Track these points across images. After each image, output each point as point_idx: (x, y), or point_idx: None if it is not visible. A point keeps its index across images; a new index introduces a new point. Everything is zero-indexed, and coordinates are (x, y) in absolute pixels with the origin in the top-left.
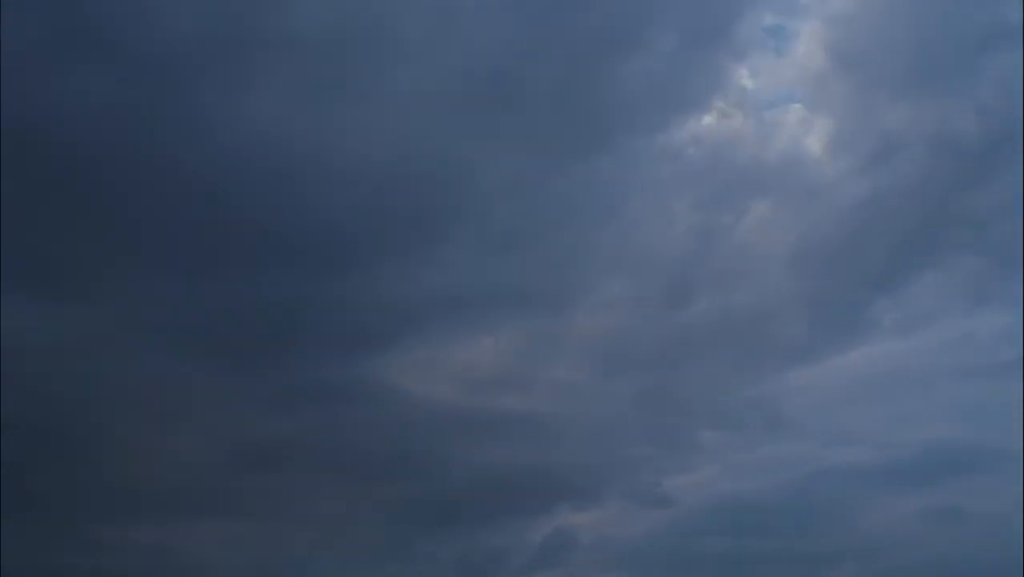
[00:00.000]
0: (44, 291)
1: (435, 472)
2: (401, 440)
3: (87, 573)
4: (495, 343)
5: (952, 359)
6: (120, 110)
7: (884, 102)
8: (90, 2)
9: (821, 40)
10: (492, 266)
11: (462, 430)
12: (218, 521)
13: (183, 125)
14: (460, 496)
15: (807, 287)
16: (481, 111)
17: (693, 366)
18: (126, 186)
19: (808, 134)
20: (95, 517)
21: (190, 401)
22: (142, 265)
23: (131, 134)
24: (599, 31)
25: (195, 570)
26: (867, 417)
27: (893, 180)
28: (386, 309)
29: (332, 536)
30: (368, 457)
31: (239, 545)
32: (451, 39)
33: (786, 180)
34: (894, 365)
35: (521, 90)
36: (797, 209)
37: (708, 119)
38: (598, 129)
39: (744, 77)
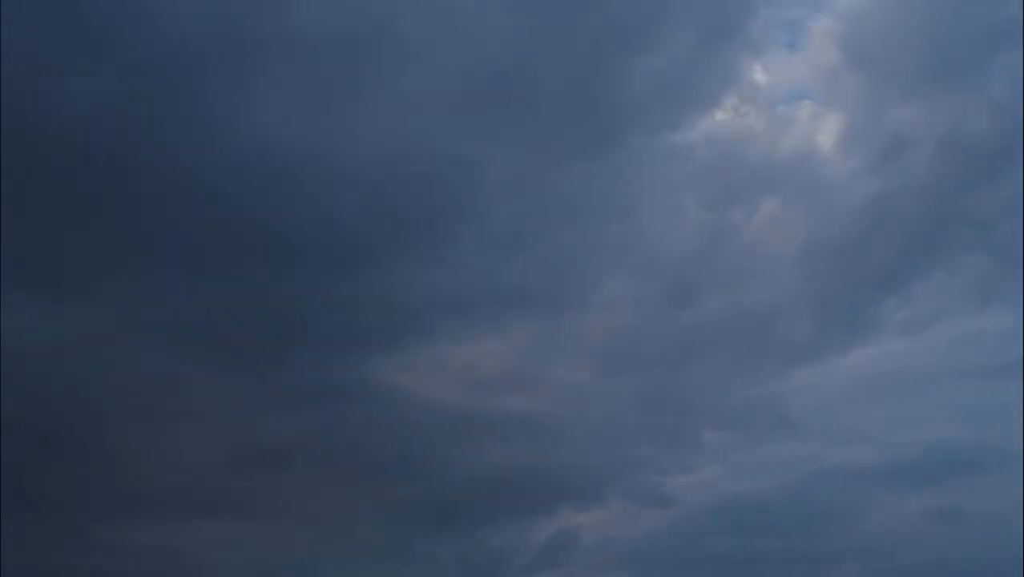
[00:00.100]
0: (45, 291)
1: (437, 472)
2: (403, 440)
3: (88, 573)
4: (499, 343)
5: (957, 359)
6: (122, 110)
7: (896, 99)
8: (93, 2)
9: (834, 36)
10: (497, 266)
11: (465, 430)
12: (219, 521)
13: (185, 125)
14: (462, 496)
15: (813, 286)
16: (487, 110)
17: (697, 366)
18: (128, 186)
19: (819, 131)
20: (96, 517)
21: (192, 401)
22: (144, 265)
23: (133, 134)
24: (609, 28)
25: (196, 570)
26: (870, 417)
27: (903, 178)
28: (389, 309)
29: (334, 536)
30: (370, 457)
31: (240, 545)
32: (458, 38)
33: (795, 178)
34: (898, 365)
35: (529, 89)
36: (805, 207)
37: (719, 116)
38: (607, 127)
39: (756, 73)
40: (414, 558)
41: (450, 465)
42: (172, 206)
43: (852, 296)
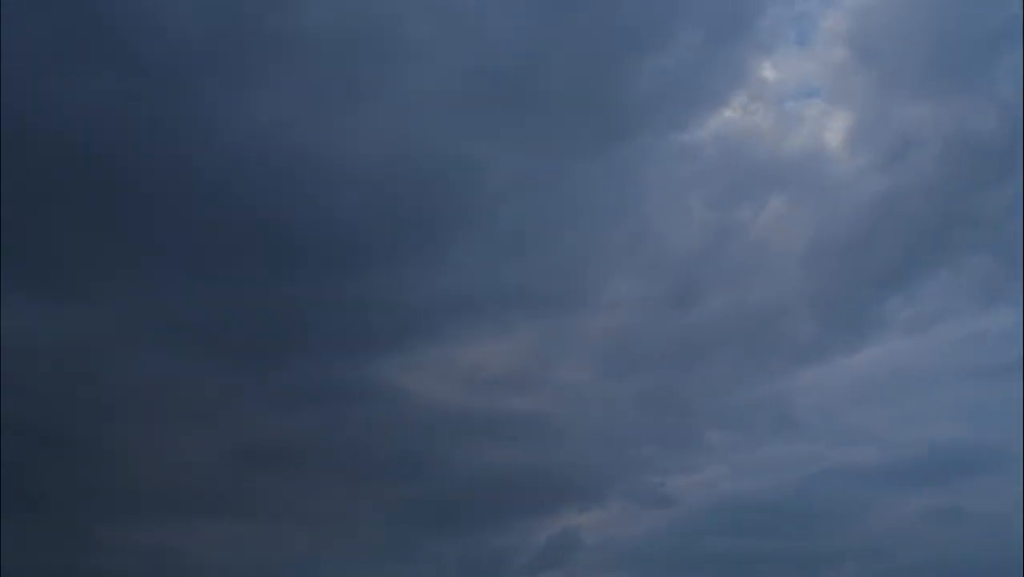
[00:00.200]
0: (46, 291)
1: (439, 472)
2: (405, 441)
3: (88, 573)
4: (501, 344)
5: (961, 359)
6: (123, 110)
7: (904, 98)
8: (96, 3)
9: (843, 33)
10: (500, 267)
11: (466, 430)
12: (220, 521)
13: (187, 125)
14: (464, 496)
15: (818, 285)
16: (490, 110)
17: (700, 366)
18: (129, 186)
19: (827, 129)
20: (96, 517)
21: (193, 401)
22: (145, 265)
23: (134, 134)
24: (617, 28)
25: (197, 570)
26: (874, 417)
27: (910, 177)
28: (391, 309)
29: (335, 536)
30: (373, 458)
31: (241, 545)
32: (462, 37)
33: (802, 176)
34: (903, 365)
35: (534, 88)
36: (812, 206)
37: (727, 114)
38: (613, 127)
39: (765, 70)
40: (415, 558)
41: (451, 465)
42: (173, 206)
43: (857, 295)
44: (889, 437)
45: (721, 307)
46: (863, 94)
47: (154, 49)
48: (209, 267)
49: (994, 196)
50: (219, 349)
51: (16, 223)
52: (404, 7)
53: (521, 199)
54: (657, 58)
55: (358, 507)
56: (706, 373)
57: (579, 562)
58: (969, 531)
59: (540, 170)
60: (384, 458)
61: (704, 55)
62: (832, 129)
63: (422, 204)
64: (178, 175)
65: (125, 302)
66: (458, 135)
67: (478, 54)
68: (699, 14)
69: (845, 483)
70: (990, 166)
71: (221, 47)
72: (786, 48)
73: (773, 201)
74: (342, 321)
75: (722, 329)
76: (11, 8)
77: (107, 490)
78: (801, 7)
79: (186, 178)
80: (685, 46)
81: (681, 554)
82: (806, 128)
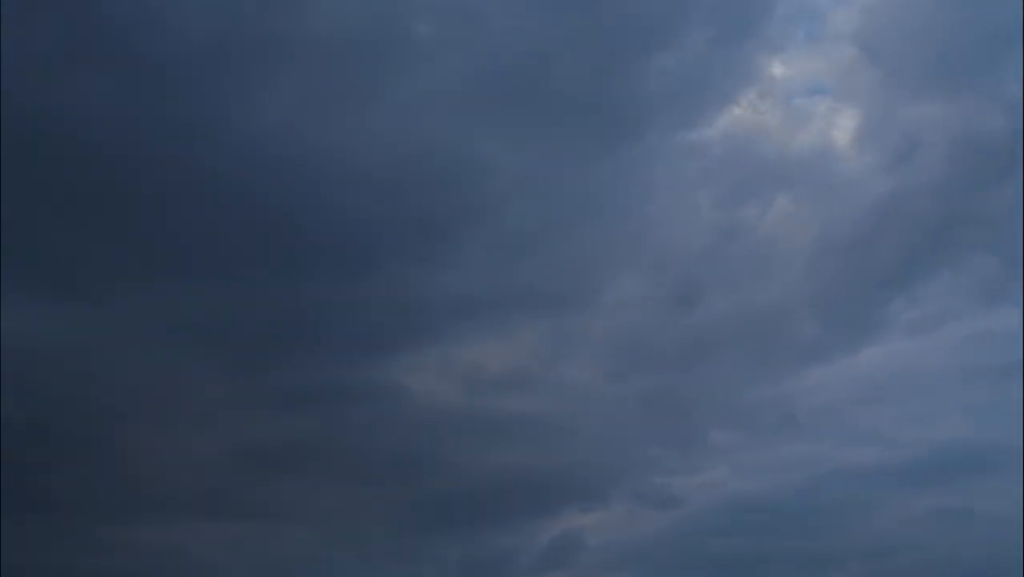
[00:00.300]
0: (49, 291)
1: (443, 473)
2: (409, 441)
3: (90, 574)
4: (506, 344)
5: (965, 359)
6: (130, 111)
7: (912, 97)
8: (102, 4)
9: (852, 31)
10: (506, 267)
11: (470, 431)
12: (223, 522)
13: (193, 125)
14: (468, 497)
15: (822, 286)
16: (498, 110)
17: (705, 366)
18: (135, 186)
19: (834, 127)
20: (99, 518)
21: (196, 402)
22: (149, 265)
23: (141, 134)
24: (625, 27)
25: (200, 571)
26: (878, 417)
27: (916, 177)
28: (395, 310)
29: (339, 537)
30: (375, 458)
31: (244, 546)
32: (470, 36)
33: (809, 175)
34: (907, 365)
35: (542, 88)
36: (818, 205)
37: (736, 112)
38: (621, 126)
39: (774, 67)
40: (418, 559)
41: (455, 466)
42: (178, 206)
43: (861, 295)
44: (893, 437)
45: (725, 307)
46: (871, 92)
47: (159, 49)
48: (211, 267)
49: (999, 196)
50: (222, 349)
51: (18, 222)
52: (411, 7)
53: (527, 199)
54: (665, 56)
55: (361, 508)
56: (710, 373)
57: (583, 563)
58: (974, 531)
59: (547, 170)
60: (389, 459)
61: (712, 53)
62: (840, 127)
63: (428, 204)
64: (182, 175)
65: (127, 302)
66: (465, 135)
67: (485, 53)
68: (708, 12)
69: (849, 483)
70: (996, 166)
71: (227, 47)
72: (795, 46)
73: (780, 200)
74: (346, 321)
75: (726, 329)
76: (17, 8)
77: (110, 490)
78: (810, 4)
79: (190, 178)
80: (693, 44)
81: (685, 554)
82: (814, 126)
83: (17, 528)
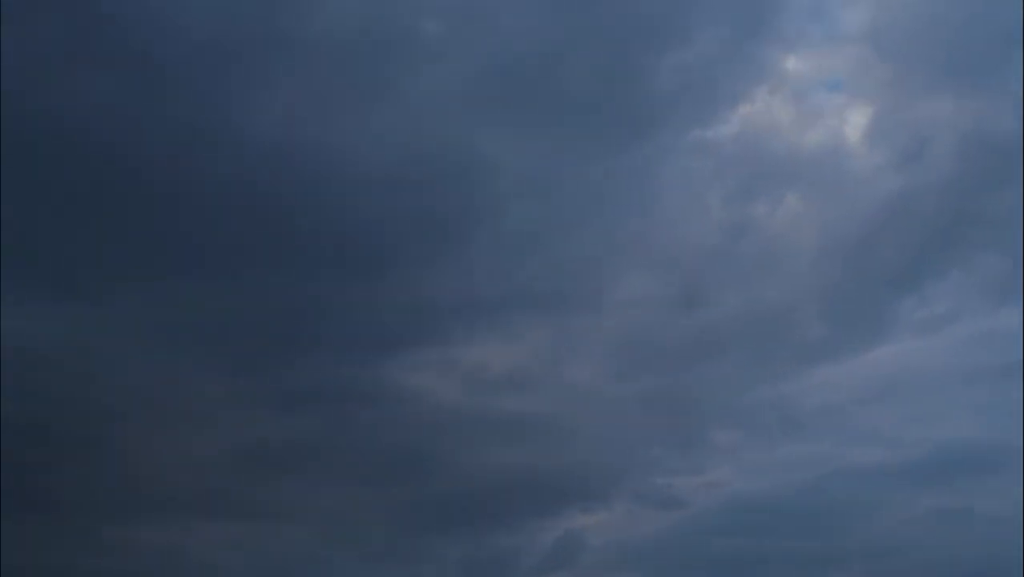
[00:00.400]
0: (51, 291)
1: (446, 473)
2: (410, 441)
3: (93, 574)
4: (509, 345)
5: (971, 359)
6: (133, 111)
7: (923, 94)
8: (104, 3)
9: (865, 27)
10: (510, 267)
11: (474, 431)
12: (225, 522)
13: (197, 125)
14: (470, 498)
15: (830, 284)
16: (508, 108)
17: (710, 365)
18: (137, 186)
19: (846, 123)
20: (102, 518)
21: (198, 402)
22: (150, 265)
23: (143, 135)
24: (637, 24)
25: (202, 571)
26: (883, 417)
27: (926, 175)
28: (399, 310)
29: (341, 537)
30: (377, 458)
31: (246, 546)
32: (478, 35)
33: (819, 172)
34: (912, 365)
35: (553, 86)
36: (827, 203)
37: (748, 109)
38: (632, 124)
39: (787, 63)
40: (420, 559)
41: (458, 466)
42: (180, 206)
43: (868, 295)
44: (898, 437)
45: (731, 306)
46: (883, 89)
47: (162, 48)
48: (213, 267)
49: (1009, 196)
50: (224, 349)
51: (20, 223)
52: (418, 5)
53: (533, 198)
54: (676, 54)
55: (363, 508)
56: (714, 373)
57: (584, 563)
58: (978, 531)
59: (554, 169)
60: (391, 459)
61: (724, 51)
62: (851, 124)
63: (432, 204)
64: (185, 174)
65: (129, 302)
66: (471, 134)
67: (494, 52)
68: (719, 9)
69: (852, 483)
70: (1005, 165)
71: (230, 46)
72: (807, 43)
73: (789, 198)
74: (348, 321)
75: (731, 328)
76: (20, 8)
77: (111, 491)
78: (822, 2)
79: (193, 178)
80: (706, 41)
81: (687, 555)
82: (825, 123)
83: (17, 528)
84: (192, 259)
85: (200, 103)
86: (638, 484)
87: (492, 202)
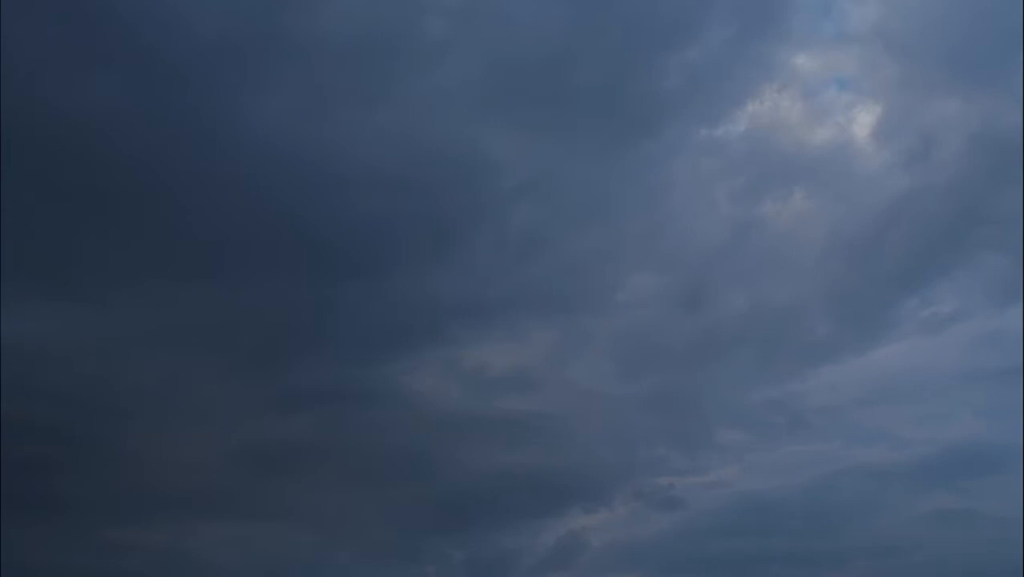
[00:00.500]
0: (55, 292)
1: (448, 473)
2: (413, 442)
3: (95, 574)
4: (513, 345)
5: (976, 359)
6: (136, 113)
7: (932, 92)
8: (110, 6)
9: (875, 25)
10: (513, 268)
11: (476, 432)
12: (228, 522)
13: (202, 126)
14: (472, 498)
15: (836, 284)
16: (515, 107)
17: (716, 365)
18: (141, 187)
19: (854, 122)
20: (105, 519)
21: (201, 403)
22: (155, 267)
23: (151, 135)
24: (647, 23)
25: (205, 571)
26: (888, 417)
27: (934, 174)
28: (403, 311)
29: (344, 537)
30: (381, 458)
31: (249, 546)
32: (485, 33)
33: (827, 171)
34: (917, 365)
35: (557, 85)
36: (834, 202)
37: (756, 107)
38: (640, 123)
39: (795, 61)
40: (422, 559)
41: (460, 466)
42: (184, 206)
43: (874, 294)
44: (903, 437)
45: (737, 305)
46: (891, 88)
47: (168, 48)
48: (218, 269)
49: (1014, 196)
50: (227, 350)
51: (28, 224)
52: (424, 4)
53: (539, 198)
54: (685, 52)
55: (366, 508)
56: (719, 373)
57: (587, 563)
58: (981, 532)
59: (561, 168)
60: (394, 459)
61: (734, 49)
62: (859, 123)
63: (437, 204)
64: (189, 175)
65: (135, 304)
66: (477, 134)
67: (501, 51)
68: (729, 7)
69: (858, 483)
70: (1012, 165)
71: (235, 46)
72: (816, 40)
73: (796, 196)
74: (353, 322)
75: (738, 328)
76: (26, 8)
77: (116, 491)
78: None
79: (197, 178)
80: (714, 40)
81: (691, 555)
82: (833, 121)
83: (22, 530)
84: (195, 259)
85: (203, 103)
86: (640, 484)
87: (496, 202)
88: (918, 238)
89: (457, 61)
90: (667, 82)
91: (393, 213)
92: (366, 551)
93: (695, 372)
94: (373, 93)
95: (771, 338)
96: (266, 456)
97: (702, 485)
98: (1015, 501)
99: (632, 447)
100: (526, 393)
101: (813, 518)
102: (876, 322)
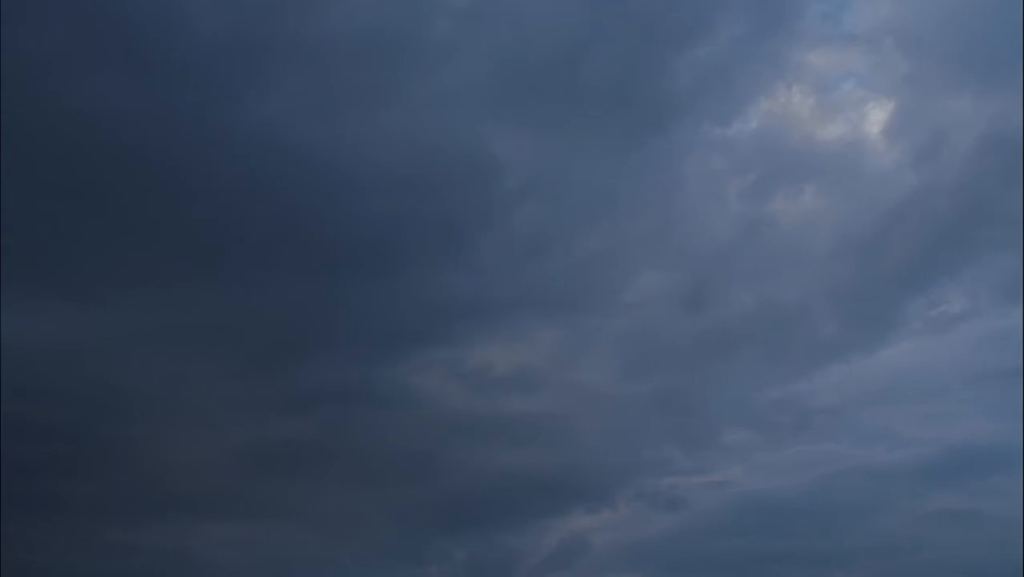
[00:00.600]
0: (58, 292)
1: (451, 473)
2: (418, 442)
3: (96, 574)
4: (518, 345)
5: (982, 359)
6: (141, 112)
7: (941, 91)
8: (114, 6)
9: (886, 22)
10: (520, 268)
11: (479, 432)
12: (231, 522)
13: (207, 126)
14: (476, 498)
15: (843, 283)
16: (524, 106)
17: (721, 365)
18: (145, 188)
19: (865, 120)
20: (108, 519)
21: (204, 402)
22: (160, 267)
23: (156, 135)
24: (656, 19)
25: (208, 571)
26: (894, 417)
27: (942, 174)
28: (407, 311)
29: (347, 537)
30: (384, 459)
31: (253, 546)
32: (493, 32)
33: (835, 169)
34: (923, 364)
35: (566, 84)
36: (843, 200)
37: (767, 105)
38: (650, 121)
39: (806, 58)
40: (425, 559)
41: (463, 466)
42: (190, 206)
43: (881, 293)
44: (908, 437)
45: (742, 304)
46: (902, 86)
47: (174, 48)
48: (222, 268)
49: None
50: (231, 350)
51: (30, 223)
52: (431, 4)
53: (547, 198)
54: (696, 49)
55: (370, 508)
56: (725, 372)
57: (590, 564)
58: (986, 532)
59: (568, 168)
60: (397, 460)
61: (745, 46)
62: (871, 120)
63: (443, 204)
64: (196, 175)
65: (138, 303)
66: (484, 134)
67: (509, 49)
68: (740, 4)
69: (862, 483)
70: (1021, 165)
71: (242, 47)
72: (828, 37)
73: (807, 193)
74: (358, 322)
75: (744, 327)
76: (29, 8)
77: (118, 492)
78: None
79: (203, 179)
80: (725, 37)
81: (694, 555)
82: (843, 119)
83: (24, 530)
84: (199, 259)
85: (210, 103)
86: (644, 484)
87: (502, 202)
88: (926, 237)
89: (465, 61)
90: (677, 80)
91: (400, 213)
92: (369, 551)
93: (700, 372)
94: (381, 93)
95: (778, 337)
96: (269, 456)
97: (706, 485)
98: (1021, 501)
99: (636, 447)
100: (530, 393)
101: (817, 518)
102: (883, 322)
